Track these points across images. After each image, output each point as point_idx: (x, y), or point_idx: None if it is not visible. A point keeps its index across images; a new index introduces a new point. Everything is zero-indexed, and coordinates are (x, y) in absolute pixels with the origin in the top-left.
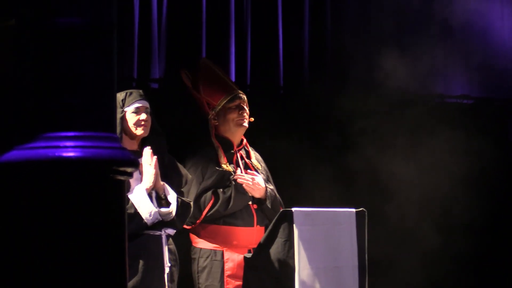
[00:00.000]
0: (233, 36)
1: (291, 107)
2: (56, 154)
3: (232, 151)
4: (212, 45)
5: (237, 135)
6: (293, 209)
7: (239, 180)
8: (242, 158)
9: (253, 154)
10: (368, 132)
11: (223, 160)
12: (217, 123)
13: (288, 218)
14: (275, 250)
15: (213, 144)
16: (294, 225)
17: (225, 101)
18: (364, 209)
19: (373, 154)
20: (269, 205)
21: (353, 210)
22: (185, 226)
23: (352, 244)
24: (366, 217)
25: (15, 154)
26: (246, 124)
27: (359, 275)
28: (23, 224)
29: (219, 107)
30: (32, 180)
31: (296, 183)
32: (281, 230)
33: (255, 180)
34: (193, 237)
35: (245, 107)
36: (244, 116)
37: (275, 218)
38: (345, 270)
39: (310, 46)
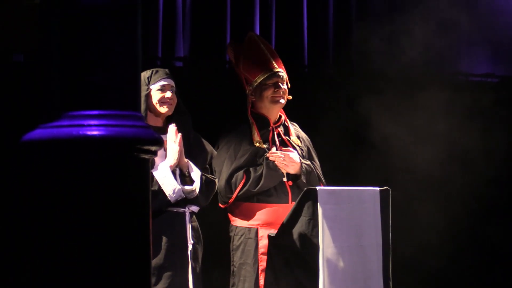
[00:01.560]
0: (258, 15)
1: (315, 86)
2: (80, 132)
3: (269, 128)
4: (236, 24)
5: (273, 112)
6: (317, 187)
7: (271, 158)
8: (279, 135)
9: (293, 130)
10: (391, 111)
11: (257, 137)
12: (254, 99)
13: (312, 197)
14: (299, 229)
15: (249, 121)
16: (318, 204)
17: (262, 78)
18: (388, 188)
19: (395, 133)
20: (304, 180)
21: (377, 188)
22: (220, 205)
23: (376, 222)
24: (390, 196)
25: (39, 132)
26: (282, 101)
27: (383, 253)
28: (46, 202)
29: (256, 83)
30: (56, 159)
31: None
32: (305, 208)
33: (289, 156)
34: (230, 215)
35: (282, 85)
36: (280, 93)
37: (299, 196)
38: (369, 249)
39: (334, 25)
